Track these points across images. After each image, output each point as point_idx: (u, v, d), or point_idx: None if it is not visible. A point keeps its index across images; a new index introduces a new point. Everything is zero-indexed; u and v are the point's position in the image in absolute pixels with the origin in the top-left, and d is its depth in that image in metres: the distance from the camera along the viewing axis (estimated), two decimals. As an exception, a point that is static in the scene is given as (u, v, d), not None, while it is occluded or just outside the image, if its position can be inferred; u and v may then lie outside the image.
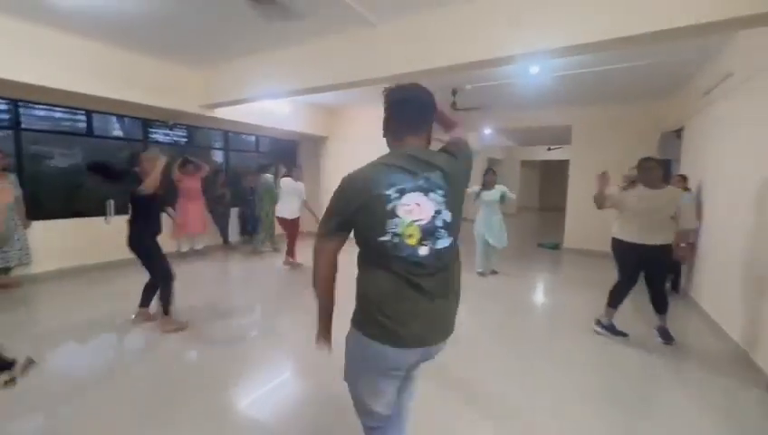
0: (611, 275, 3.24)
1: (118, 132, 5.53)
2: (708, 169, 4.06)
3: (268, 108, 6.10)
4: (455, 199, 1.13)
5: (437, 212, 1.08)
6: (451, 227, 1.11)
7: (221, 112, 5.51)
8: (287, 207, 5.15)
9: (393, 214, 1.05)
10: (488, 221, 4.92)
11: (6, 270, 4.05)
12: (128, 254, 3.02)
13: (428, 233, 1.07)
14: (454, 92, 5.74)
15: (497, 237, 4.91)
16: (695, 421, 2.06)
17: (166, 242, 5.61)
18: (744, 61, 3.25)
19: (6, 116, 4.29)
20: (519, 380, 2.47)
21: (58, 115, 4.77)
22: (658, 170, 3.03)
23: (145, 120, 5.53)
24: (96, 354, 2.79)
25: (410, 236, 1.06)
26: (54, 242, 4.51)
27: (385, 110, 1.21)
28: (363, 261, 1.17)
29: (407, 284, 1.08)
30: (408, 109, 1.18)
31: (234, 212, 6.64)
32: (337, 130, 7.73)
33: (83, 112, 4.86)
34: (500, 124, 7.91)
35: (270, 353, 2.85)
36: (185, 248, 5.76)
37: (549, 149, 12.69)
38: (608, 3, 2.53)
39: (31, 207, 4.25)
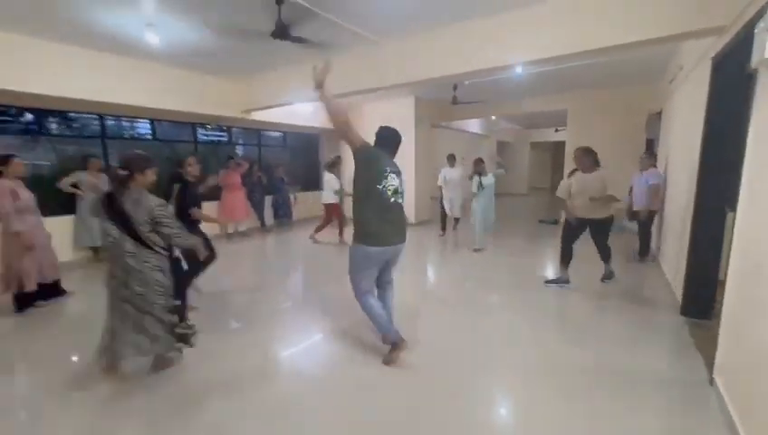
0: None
1: (174, 136, 6.63)
2: (671, 147, 4.73)
3: (293, 109, 7.01)
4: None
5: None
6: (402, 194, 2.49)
7: (255, 115, 6.49)
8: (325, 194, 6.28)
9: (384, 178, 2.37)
10: (489, 204, 5.69)
11: (96, 249, 5.21)
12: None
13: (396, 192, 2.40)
14: (454, 87, 6.49)
15: (489, 217, 5.76)
16: (631, 338, 2.92)
17: (215, 225, 6.78)
18: (688, 56, 3.90)
19: (97, 129, 5.42)
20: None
21: (129, 124, 5.89)
22: (585, 158, 3.59)
23: (193, 124, 6.60)
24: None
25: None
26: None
27: (376, 137, 2.60)
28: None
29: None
30: (388, 141, 2.59)
31: (267, 200, 7.67)
32: (353, 123, 8.56)
33: (148, 121, 5.96)
34: (502, 112, 8.58)
35: (309, 312, 3.79)
36: (231, 230, 6.87)
37: (556, 130, 13.10)
38: (575, 22, 3.19)
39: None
